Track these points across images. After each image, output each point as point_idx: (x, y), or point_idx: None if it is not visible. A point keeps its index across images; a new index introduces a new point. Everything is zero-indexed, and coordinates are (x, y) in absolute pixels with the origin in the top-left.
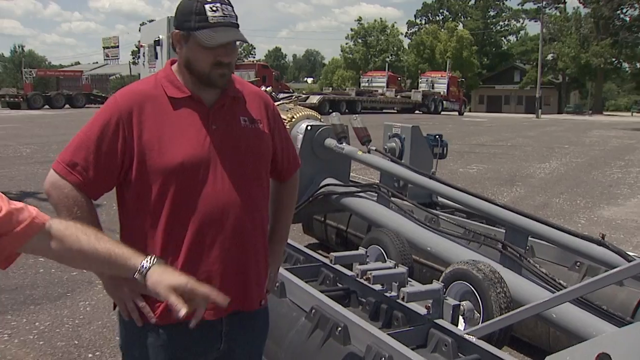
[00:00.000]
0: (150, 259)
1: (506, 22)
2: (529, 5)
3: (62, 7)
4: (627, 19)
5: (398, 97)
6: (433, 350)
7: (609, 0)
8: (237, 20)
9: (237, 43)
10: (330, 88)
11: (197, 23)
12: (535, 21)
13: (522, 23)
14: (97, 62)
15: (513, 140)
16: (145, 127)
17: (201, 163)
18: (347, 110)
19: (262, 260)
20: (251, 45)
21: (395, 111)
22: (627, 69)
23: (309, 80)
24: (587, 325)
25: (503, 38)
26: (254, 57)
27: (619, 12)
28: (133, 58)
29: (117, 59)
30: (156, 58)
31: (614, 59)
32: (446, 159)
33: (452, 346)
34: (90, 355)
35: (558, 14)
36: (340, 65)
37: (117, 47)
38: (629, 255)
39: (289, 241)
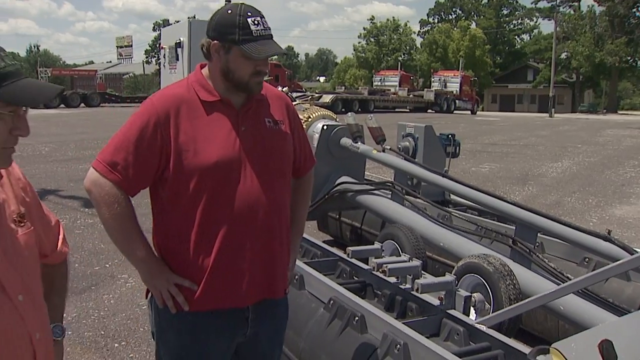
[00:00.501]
0: None
1: (519, 21)
2: (542, 4)
3: (76, 7)
4: None
5: (411, 96)
6: (446, 338)
7: None
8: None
9: None
10: (343, 87)
11: (242, 37)
12: (549, 20)
13: (536, 22)
14: (110, 62)
15: (526, 140)
16: (181, 129)
17: (233, 162)
18: (359, 110)
19: (286, 252)
20: None
21: (408, 110)
22: None
23: (321, 79)
24: (594, 317)
25: (516, 37)
26: None
27: (634, 9)
28: (146, 57)
29: (131, 58)
30: (177, 60)
31: (629, 58)
32: (458, 158)
33: (463, 334)
34: (116, 345)
35: (572, 12)
36: (352, 64)
37: (131, 46)
38: (634, 250)
39: (307, 236)
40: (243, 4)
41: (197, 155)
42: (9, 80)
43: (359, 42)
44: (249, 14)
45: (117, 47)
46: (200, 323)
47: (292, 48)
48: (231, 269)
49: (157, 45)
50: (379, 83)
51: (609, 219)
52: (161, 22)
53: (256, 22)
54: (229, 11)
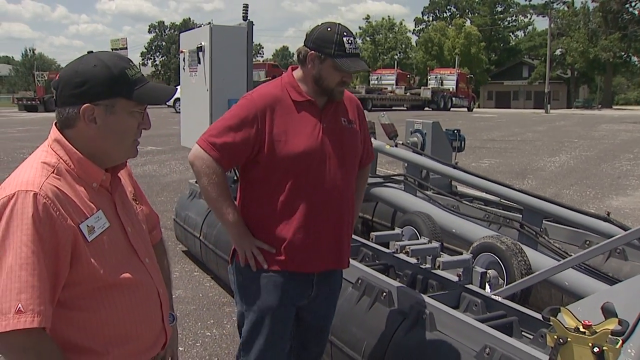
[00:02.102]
0: None
1: (514, 18)
2: (536, 1)
3: (69, 10)
4: (636, 12)
5: (408, 94)
6: (465, 310)
7: None
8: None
9: None
10: None
11: (337, 52)
12: (543, 16)
13: (530, 18)
14: None
15: (523, 135)
16: (275, 123)
17: (316, 152)
18: None
19: (351, 231)
20: (259, 45)
21: (405, 108)
22: (636, 62)
23: None
24: (596, 290)
25: (511, 34)
26: (262, 57)
27: (627, 5)
28: (142, 59)
29: None
30: (199, 63)
31: (623, 53)
32: (458, 154)
33: (481, 305)
34: None
35: (566, 8)
36: None
37: (126, 48)
38: (630, 228)
39: None
40: (340, 24)
41: (287, 144)
42: (138, 85)
43: None
44: (345, 34)
45: (112, 49)
46: (277, 281)
47: (287, 48)
48: (308, 239)
49: (158, 49)
50: (376, 82)
51: (606, 210)
52: (156, 24)
53: (350, 41)
54: (329, 29)
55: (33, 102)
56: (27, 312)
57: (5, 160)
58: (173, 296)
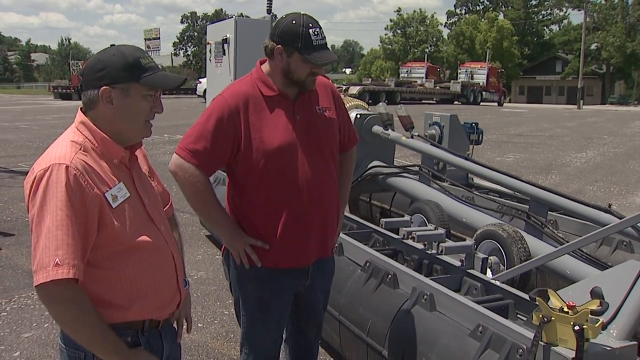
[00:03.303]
0: None
1: (548, 11)
2: None
3: (104, 0)
4: None
5: (437, 87)
6: (466, 293)
7: None
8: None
9: None
10: (370, 79)
11: (304, 45)
12: (579, 10)
13: (565, 12)
14: None
15: (551, 131)
16: (249, 120)
17: (291, 146)
18: (386, 101)
19: (335, 218)
20: None
21: (434, 102)
22: None
23: (347, 71)
24: None
25: (545, 27)
26: None
27: None
28: (174, 49)
29: (159, 50)
30: (224, 54)
31: None
32: (484, 148)
33: (480, 289)
34: None
35: (603, 2)
36: (379, 56)
37: (159, 38)
38: None
39: (345, 212)
40: (305, 15)
41: (263, 141)
42: (150, 72)
43: (385, 34)
44: (310, 25)
45: (145, 39)
46: (272, 276)
47: None
48: (296, 232)
49: (190, 39)
50: (406, 75)
51: (629, 206)
52: (189, 14)
53: (316, 32)
54: (294, 22)
55: (68, 90)
56: (63, 265)
57: (41, 147)
58: (195, 277)
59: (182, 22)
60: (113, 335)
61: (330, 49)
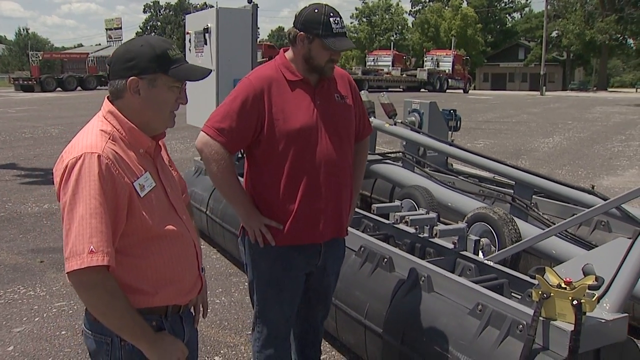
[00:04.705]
0: None
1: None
2: None
3: None
4: None
5: (404, 75)
6: (460, 274)
7: None
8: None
9: None
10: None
11: (325, 32)
12: None
13: (527, 0)
14: (100, 44)
15: (517, 117)
16: (273, 103)
17: (312, 129)
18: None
19: (350, 201)
20: None
21: (401, 90)
22: (632, 45)
23: None
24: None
25: (507, 15)
26: (258, 38)
27: None
28: None
29: (120, 40)
30: (205, 44)
31: (619, 35)
32: (455, 134)
33: (474, 270)
34: None
35: None
36: None
37: (120, 28)
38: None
39: None
40: (327, 5)
41: (285, 122)
42: (177, 64)
43: (351, 22)
44: (331, 14)
45: (107, 29)
46: (286, 254)
47: (283, 29)
48: (311, 212)
49: (153, 29)
50: (372, 63)
51: (597, 189)
52: (151, 4)
53: (336, 21)
54: (316, 10)
55: (29, 82)
56: (97, 252)
57: (8, 140)
58: None
59: (144, 11)
60: (141, 320)
61: (348, 37)
